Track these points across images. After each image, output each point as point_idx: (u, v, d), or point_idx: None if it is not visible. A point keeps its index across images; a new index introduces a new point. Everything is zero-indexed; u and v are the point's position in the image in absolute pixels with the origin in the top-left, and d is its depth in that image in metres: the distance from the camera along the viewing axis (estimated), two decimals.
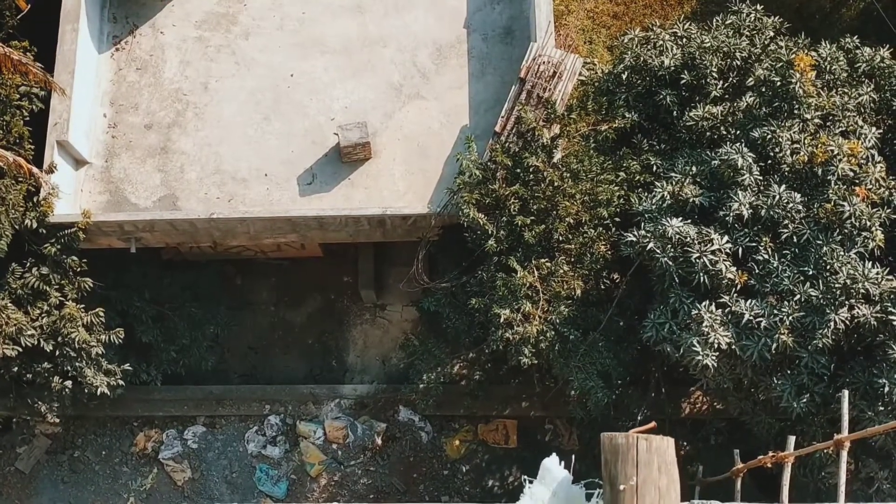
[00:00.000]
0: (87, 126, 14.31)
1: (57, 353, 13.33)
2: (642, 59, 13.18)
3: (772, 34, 13.07)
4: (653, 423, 6.30)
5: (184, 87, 14.70)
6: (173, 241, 14.46)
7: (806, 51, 12.42)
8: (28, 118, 13.60)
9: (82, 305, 13.46)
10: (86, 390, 13.81)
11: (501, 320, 12.13)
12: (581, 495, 5.66)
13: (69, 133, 13.66)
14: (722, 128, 12.49)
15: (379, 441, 15.39)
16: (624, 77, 13.31)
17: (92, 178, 14.32)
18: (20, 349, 13.01)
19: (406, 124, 14.41)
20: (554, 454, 6.00)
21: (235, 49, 14.91)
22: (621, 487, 5.24)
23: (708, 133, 12.56)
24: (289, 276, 16.62)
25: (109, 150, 14.45)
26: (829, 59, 12.22)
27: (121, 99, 14.67)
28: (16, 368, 13.40)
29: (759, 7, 13.34)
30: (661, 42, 13.29)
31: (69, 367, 13.52)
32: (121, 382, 14.07)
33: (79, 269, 13.44)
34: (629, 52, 13.43)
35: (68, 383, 13.61)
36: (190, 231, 13.94)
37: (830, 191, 11.15)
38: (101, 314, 13.51)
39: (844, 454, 8.57)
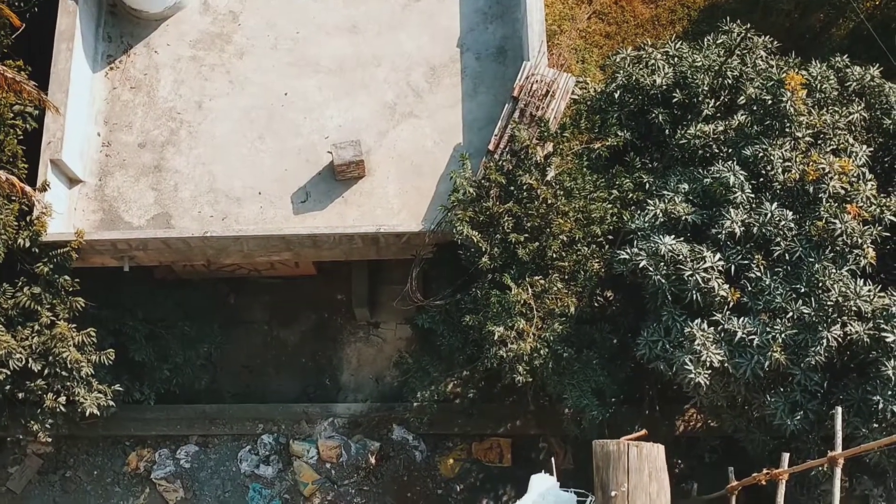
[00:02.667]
0: (80, 145, 14.32)
1: (47, 372, 13.27)
2: (634, 78, 13.27)
3: (763, 53, 13.17)
4: (644, 431, 6.38)
5: (178, 106, 14.74)
6: (167, 259, 14.44)
7: (796, 70, 12.52)
8: (21, 137, 13.61)
9: (74, 325, 13.42)
10: (77, 409, 13.74)
11: (495, 337, 12.13)
12: (571, 501, 5.73)
13: (63, 152, 13.67)
14: (714, 146, 12.56)
15: (373, 460, 15.32)
16: (616, 96, 13.40)
17: (85, 196, 14.32)
18: (8, 372, 12.95)
19: (400, 143, 14.47)
20: (543, 471, 6.07)
21: (230, 68, 14.96)
22: (612, 493, 5.34)
23: (700, 151, 12.63)
24: (282, 294, 16.59)
25: (103, 168, 14.46)
26: (819, 77, 12.32)
27: (115, 118, 14.70)
28: (7, 387, 13.33)
29: (749, 27, 13.45)
30: (653, 61, 13.38)
31: (60, 387, 13.46)
32: (111, 403, 13.98)
33: (71, 289, 13.41)
34: (621, 71, 13.52)
35: (62, 400, 13.53)
36: (184, 249, 13.93)
37: (822, 208, 11.21)
38: (93, 334, 13.47)
39: (839, 471, 8.58)
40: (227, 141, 14.53)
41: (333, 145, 13.92)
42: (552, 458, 6.87)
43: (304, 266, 15.78)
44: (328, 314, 16.59)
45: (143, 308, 14.91)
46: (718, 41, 13.36)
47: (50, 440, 14.53)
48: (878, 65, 12.73)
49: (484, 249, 12.55)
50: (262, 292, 16.63)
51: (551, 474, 6.03)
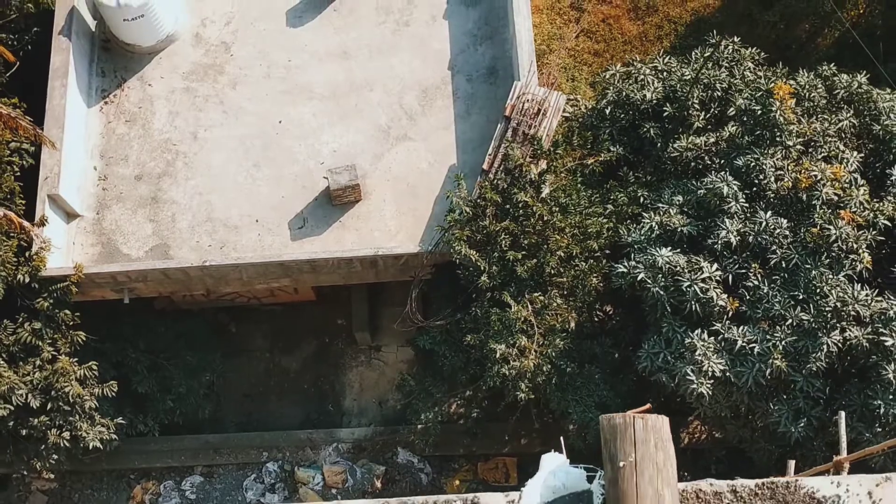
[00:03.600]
0: (77, 179, 14.40)
1: (50, 406, 13.25)
2: (624, 93, 13.40)
3: (750, 65, 13.31)
4: (648, 405, 6.53)
5: (173, 138, 14.84)
6: (166, 290, 14.48)
7: (784, 79, 12.66)
8: (18, 173, 13.69)
9: (76, 359, 13.43)
10: (80, 444, 13.70)
11: (497, 356, 12.15)
12: (581, 477, 5.89)
13: (60, 187, 13.74)
14: (706, 157, 12.67)
15: (378, 484, 15.28)
16: (607, 112, 13.52)
17: (83, 230, 14.37)
18: (11, 408, 12.93)
19: (395, 165, 14.56)
20: (553, 450, 6.23)
21: (223, 98, 15.08)
22: (621, 464, 5.54)
23: (693, 163, 12.74)
24: (282, 321, 16.62)
25: (100, 202, 14.53)
26: (807, 86, 12.45)
27: (110, 151, 14.79)
28: (11, 423, 13.31)
29: (736, 39, 13.60)
30: (642, 76, 13.52)
31: (63, 422, 13.43)
32: (114, 436, 13.95)
33: (72, 323, 13.42)
34: (611, 88, 13.65)
35: (66, 435, 13.49)
36: (183, 279, 13.96)
37: (816, 215, 11.29)
38: (95, 367, 13.47)
39: (845, 475, 8.58)
40: (224, 170, 14.61)
41: (329, 170, 14.01)
42: (562, 438, 7.00)
43: (303, 292, 15.81)
44: (329, 339, 16.60)
45: (144, 339, 14.92)
46: (706, 54, 13.50)
47: (53, 476, 14.48)
48: (864, 72, 12.86)
49: (482, 268, 12.60)
50: (263, 320, 16.65)
51: (561, 453, 6.20)
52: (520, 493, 5.95)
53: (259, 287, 14.63)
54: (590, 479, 5.99)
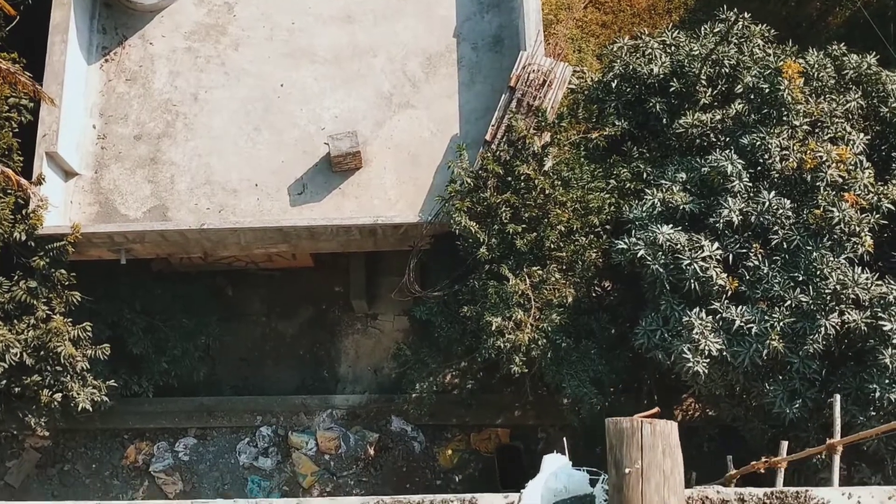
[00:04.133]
0: (76, 137, 14.26)
1: (41, 367, 13.23)
2: (631, 67, 13.24)
3: (760, 42, 13.14)
4: (656, 409, 6.37)
5: (173, 98, 14.68)
6: (164, 251, 14.41)
7: (794, 58, 12.50)
8: (17, 129, 13.55)
9: (70, 319, 13.38)
10: (71, 404, 13.70)
11: (493, 328, 12.12)
12: (584, 480, 5.74)
13: (58, 144, 13.61)
14: (711, 135, 12.55)
15: (371, 451, 15.34)
16: (613, 85, 13.37)
17: (81, 189, 14.26)
18: (5, 366, 12.92)
19: (396, 133, 14.42)
20: (555, 452, 6.09)
21: (225, 59, 14.89)
22: (626, 471, 5.33)
23: (698, 140, 12.62)
24: (280, 286, 16.57)
25: (99, 161, 14.40)
26: (816, 66, 12.30)
27: (110, 110, 14.64)
28: (4, 381, 13.31)
29: (746, 15, 13.41)
30: (649, 50, 13.35)
31: (54, 381, 13.43)
32: (105, 398, 13.93)
33: (67, 283, 13.37)
34: (618, 61, 13.48)
35: (58, 396, 13.50)
36: (181, 242, 13.89)
37: (820, 197, 11.21)
38: (89, 328, 13.44)
39: (837, 459, 8.59)
40: (224, 133, 14.47)
41: (330, 136, 13.87)
42: (564, 439, 6.89)
43: (301, 258, 15.75)
44: (326, 306, 16.58)
45: (140, 301, 14.88)
46: (715, 30, 13.32)
47: (48, 434, 14.52)
48: (874, 53, 12.70)
49: (482, 240, 12.53)
50: (260, 285, 16.61)
51: (563, 454, 6.05)
52: (519, 494, 5.82)
53: (257, 252, 14.57)
54: (592, 483, 5.83)
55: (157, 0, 14.98)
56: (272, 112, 14.57)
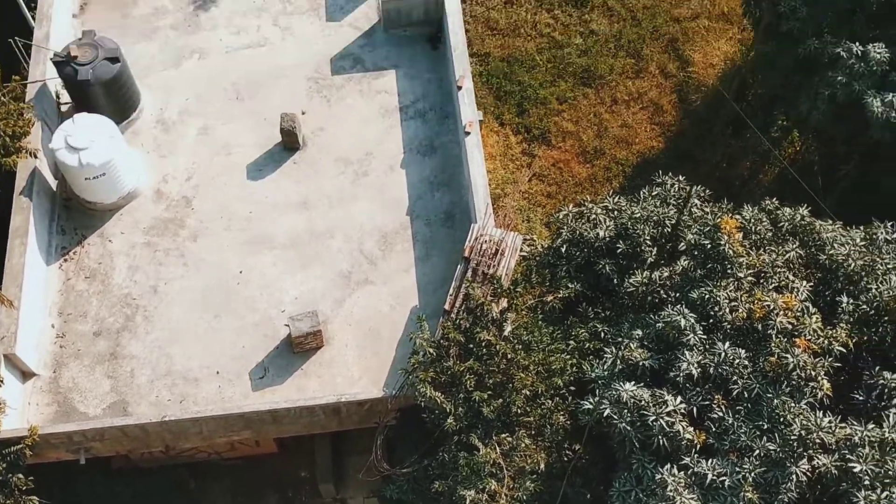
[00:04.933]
0: (34, 338, 14.20)
1: None
2: (578, 232, 13.77)
3: (697, 202, 13.83)
4: None
5: (133, 292, 14.81)
6: (124, 448, 14.05)
7: (730, 214, 13.13)
8: None
9: None
10: None
11: (467, 503, 11.85)
12: None
13: (16, 346, 13.53)
14: (662, 291, 12.92)
15: None
16: (563, 250, 13.83)
17: (40, 389, 14.04)
18: None
19: (357, 310, 14.62)
20: None
21: (184, 251, 15.19)
22: None
23: (649, 297, 12.97)
24: (244, 475, 16.12)
25: (57, 360, 14.28)
26: (752, 220, 12.92)
27: (69, 308, 14.68)
28: None
29: (681, 178, 14.18)
30: (594, 216, 13.94)
31: None
32: None
33: (25, 488, 12.88)
34: (565, 227, 14.02)
35: None
36: (141, 436, 13.59)
37: (773, 344, 11.47)
38: None
39: None
40: (184, 322, 14.54)
41: (290, 318, 14.01)
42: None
43: (264, 444, 15.45)
44: (292, 493, 16.11)
45: (100, 502, 14.32)
46: (654, 193, 14.01)
47: None
48: (806, 205, 13.42)
49: (448, 410, 12.48)
50: (224, 475, 16.14)
51: None
52: None
53: (220, 441, 14.29)
54: None
55: (117, 199, 15.41)
56: (232, 298, 14.73)
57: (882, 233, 12.86)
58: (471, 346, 13.00)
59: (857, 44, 15.50)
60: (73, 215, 15.50)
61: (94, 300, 14.74)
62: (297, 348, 14.13)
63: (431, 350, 12.87)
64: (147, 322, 14.55)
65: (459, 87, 15.79)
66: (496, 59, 21.02)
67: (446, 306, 13.58)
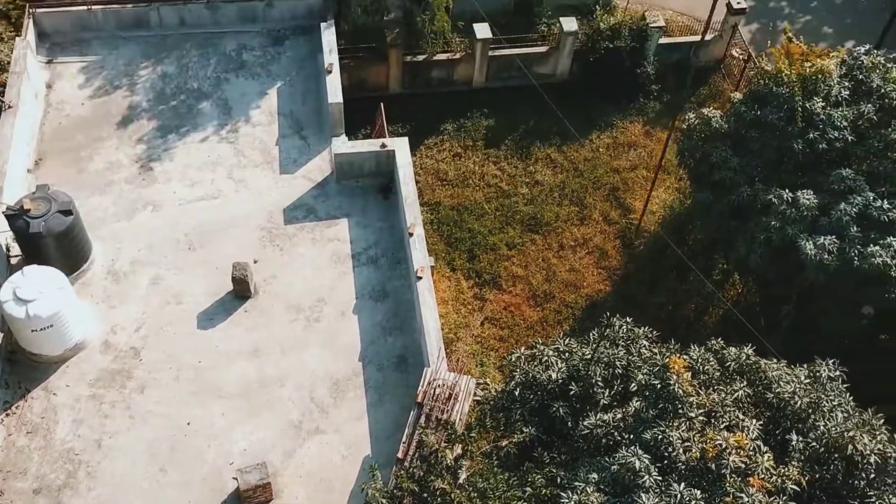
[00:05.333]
0: None
1: None
2: (531, 374, 13.83)
3: (645, 343, 14.07)
4: None
5: (76, 447, 14.34)
6: None
7: (678, 354, 13.37)
8: None
9: None
10: None
11: None
12: None
13: None
14: (615, 433, 12.91)
15: None
16: (517, 393, 13.83)
17: None
18: None
19: (307, 461, 14.30)
20: None
21: (130, 403, 14.86)
22: None
23: (604, 440, 12.93)
24: None
25: None
26: (700, 360, 13.16)
27: (9, 465, 14.11)
28: None
29: (629, 319, 14.48)
30: (546, 358, 14.06)
31: None
32: None
33: None
34: (518, 370, 14.09)
35: None
36: None
37: (727, 484, 11.45)
38: None
39: None
40: (128, 478, 14.04)
41: (238, 470, 13.64)
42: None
43: None
44: None
45: None
46: (604, 334, 14.24)
47: None
48: (751, 344, 13.74)
49: None
50: None
51: None
52: None
53: None
54: None
55: (63, 351, 15.16)
56: (179, 451, 14.33)
57: (825, 370, 13.17)
58: (425, 495, 12.72)
59: (787, 190, 16.40)
60: (18, 368, 15.15)
61: (36, 455, 14.21)
62: (246, 502, 13.67)
63: (385, 501, 12.55)
64: (90, 478, 14.02)
65: (411, 234, 16.18)
66: (446, 208, 21.65)
67: (399, 454, 13.37)
